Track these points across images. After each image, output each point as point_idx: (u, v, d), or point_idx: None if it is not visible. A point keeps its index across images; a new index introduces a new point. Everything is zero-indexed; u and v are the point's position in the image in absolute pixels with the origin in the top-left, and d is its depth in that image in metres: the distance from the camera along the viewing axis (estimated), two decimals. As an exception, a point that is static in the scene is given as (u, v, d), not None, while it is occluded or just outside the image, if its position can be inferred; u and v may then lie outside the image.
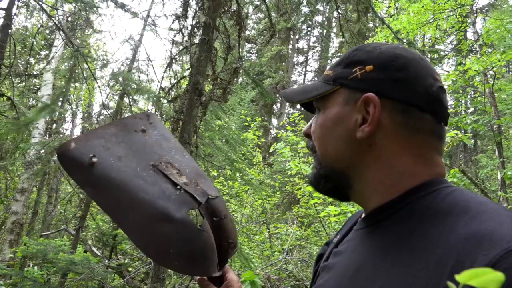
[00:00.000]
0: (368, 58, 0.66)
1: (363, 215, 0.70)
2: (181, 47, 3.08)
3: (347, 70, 0.67)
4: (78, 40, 7.99)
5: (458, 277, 0.29)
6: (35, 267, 6.62)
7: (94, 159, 0.67)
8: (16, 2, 2.33)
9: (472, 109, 12.53)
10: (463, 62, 7.29)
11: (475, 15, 8.46)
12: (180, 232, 0.66)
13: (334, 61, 0.77)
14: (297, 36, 17.37)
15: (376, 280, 0.55)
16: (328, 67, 0.78)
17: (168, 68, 3.15)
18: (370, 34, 10.75)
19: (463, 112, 11.80)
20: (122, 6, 3.04)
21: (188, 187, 0.70)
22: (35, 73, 8.47)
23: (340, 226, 1.90)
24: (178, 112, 2.90)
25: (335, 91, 0.68)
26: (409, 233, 0.56)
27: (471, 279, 0.28)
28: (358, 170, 0.66)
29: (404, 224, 0.58)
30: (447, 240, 0.50)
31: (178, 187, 0.70)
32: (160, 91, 3.01)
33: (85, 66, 3.34)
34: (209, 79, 3.17)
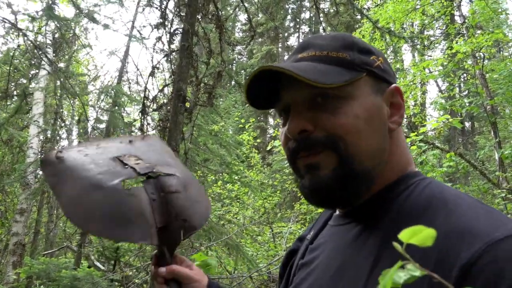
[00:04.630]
0: (371, 49, 0.66)
1: (339, 211, 0.69)
2: (162, 55, 3.09)
3: (366, 57, 0.63)
4: (66, 57, 7.99)
5: (400, 236, 0.32)
6: (41, 286, 6.62)
7: (60, 154, 0.70)
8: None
9: (466, 91, 12.52)
10: (452, 46, 7.29)
11: (460, -2, 8.45)
12: (107, 197, 0.66)
13: (321, 42, 0.64)
14: (285, 34, 17.38)
15: (361, 278, 0.54)
16: (316, 47, 0.64)
17: (151, 77, 3.16)
18: (357, 26, 10.76)
19: (457, 96, 11.79)
20: (93, 19, 3.06)
21: (136, 165, 0.70)
22: (26, 93, 8.46)
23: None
24: (163, 120, 2.90)
25: (361, 77, 0.62)
26: (392, 230, 0.55)
27: (411, 238, 0.32)
28: (382, 166, 0.62)
29: (386, 220, 0.58)
30: None
31: (126, 166, 0.69)
32: (145, 101, 3.02)
33: (68, 82, 3.35)
34: (192, 85, 3.17)
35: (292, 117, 0.62)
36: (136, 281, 4.94)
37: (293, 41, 20.27)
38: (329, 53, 0.62)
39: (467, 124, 15.35)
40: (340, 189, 0.60)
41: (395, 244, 0.32)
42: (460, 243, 0.47)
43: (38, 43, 3.95)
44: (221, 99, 11.71)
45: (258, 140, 12.48)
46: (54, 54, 6.82)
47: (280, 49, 17.71)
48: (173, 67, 3.09)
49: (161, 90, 3.10)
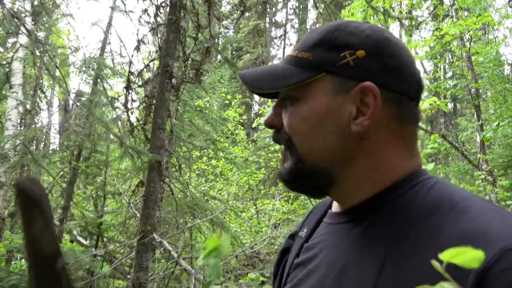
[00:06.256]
0: (355, 42, 0.59)
1: (337, 208, 0.66)
2: (148, 28, 2.98)
3: (332, 54, 0.59)
4: (46, 25, 7.68)
5: (441, 256, 0.29)
6: (22, 261, 6.56)
7: None
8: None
9: (450, 73, 12.63)
10: (440, 27, 7.27)
11: (450, -22, 8.39)
12: None
13: (304, 39, 0.66)
14: (273, 9, 17.10)
15: (366, 281, 0.52)
16: (297, 46, 0.65)
17: (136, 52, 3.04)
18: (347, 3, 10.61)
19: (442, 78, 11.88)
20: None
21: None
22: (3, 62, 8.16)
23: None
24: (149, 96, 2.82)
25: (318, 78, 0.60)
26: (397, 232, 0.54)
27: (453, 257, 0.29)
28: (345, 167, 0.60)
29: (390, 222, 0.56)
30: (438, 240, 0.49)
31: None
32: (130, 76, 2.91)
33: (48, 54, 3.21)
34: (180, 61, 3.08)
35: (271, 109, 0.66)
36: (118, 255, 4.94)
37: (280, 16, 19.96)
38: (298, 53, 0.63)
39: (450, 106, 15.59)
40: (300, 183, 0.64)
41: (434, 262, 0.31)
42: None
43: (16, 10, 3.74)
44: (207, 74, 11.54)
45: (244, 117, 12.43)
46: (33, 23, 6.53)
47: (267, 24, 17.43)
48: (159, 41, 2.98)
49: (147, 65, 3.00)
